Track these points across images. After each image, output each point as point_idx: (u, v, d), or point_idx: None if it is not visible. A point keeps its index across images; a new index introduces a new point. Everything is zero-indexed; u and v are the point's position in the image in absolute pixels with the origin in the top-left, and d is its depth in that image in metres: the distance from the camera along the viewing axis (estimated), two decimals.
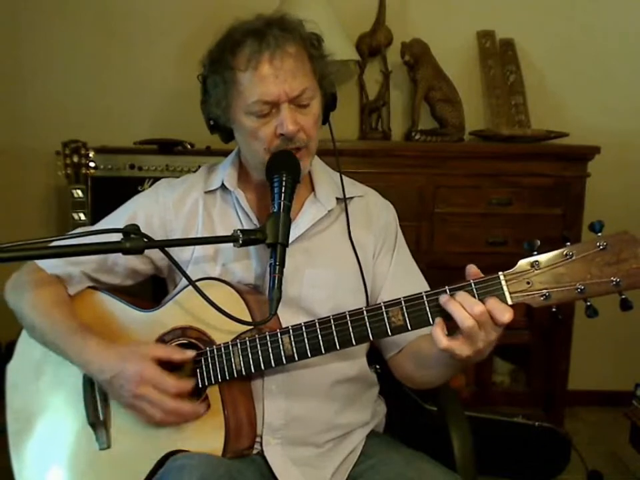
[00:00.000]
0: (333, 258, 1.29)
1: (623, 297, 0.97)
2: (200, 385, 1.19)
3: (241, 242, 1.09)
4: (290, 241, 1.14)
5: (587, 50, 2.76)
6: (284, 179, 1.16)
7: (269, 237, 1.10)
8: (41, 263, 1.30)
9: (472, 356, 1.02)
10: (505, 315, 0.99)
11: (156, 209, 1.32)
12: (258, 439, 1.22)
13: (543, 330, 2.53)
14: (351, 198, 1.35)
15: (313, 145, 1.25)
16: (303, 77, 1.19)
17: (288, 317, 1.18)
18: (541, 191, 2.47)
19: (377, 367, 1.38)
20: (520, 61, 2.75)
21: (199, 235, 1.29)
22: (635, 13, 2.76)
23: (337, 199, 1.33)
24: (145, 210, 1.32)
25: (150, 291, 1.44)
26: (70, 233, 1.35)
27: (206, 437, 1.16)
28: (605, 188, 2.64)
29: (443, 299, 1.01)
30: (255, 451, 1.23)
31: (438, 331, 1.01)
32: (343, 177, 1.35)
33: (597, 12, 2.75)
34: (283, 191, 1.15)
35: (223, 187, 1.32)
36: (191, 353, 1.17)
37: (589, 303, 0.99)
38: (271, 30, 1.18)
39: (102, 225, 1.36)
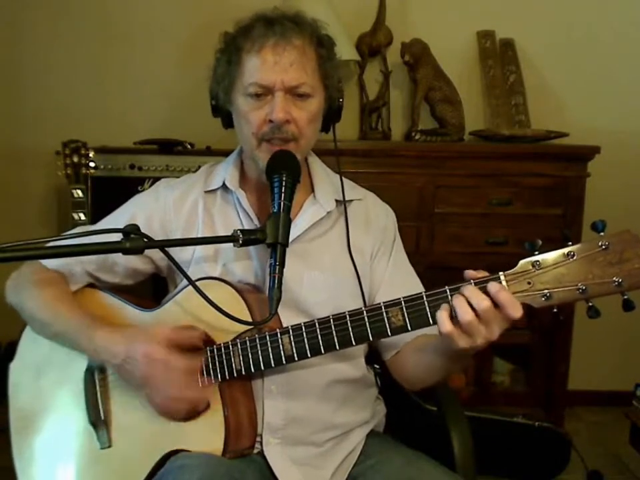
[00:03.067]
0: (332, 262, 1.29)
1: (626, 297, 0.96)
2: (200, 385, 1.19)
3: (241, 242, 1.08)
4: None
5: (587, 50, 2.76)
6: (284, 179, 1.16)
7: (269, 237, 1.10)
8: (42, 261, 1.31)
9: (467, 349, 1.01)
10: (517, 313, 0.97)
11: (156, 209, 1.32)
12: (258, 439, 1.22)
13: (543, 330, 2.53)
14: (350, 201, 1.35)
15: (304, 143, 1.24)
16: (304, 71, 1.20)
17: (287, 318, 1.17)
18: (541, 191, 2.47)
19: (377, 367, 1.38)
20: (520, 61, 2.75)
21: (200, 235, 1.29)
22: (635, 13, 2.76)
23: (337, 201, 1.33)
24: (145, 210, 1.32)
25: (150, 291, 1.44)
26: (70, 232, 1.35)
27: (206, 436, 1.16)
28: (605, 188, 2.64)
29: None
30: (255, 451, 1.23)
31: (444, 314, 1.00)
32: (343, 179, 1.35)
33: (597, 12, 2.75)
34: (283, 191, 1.15)
35: (223, 186, 1.32)
36: (199, 332, 1.17)
37: (590, 304, 0.98)
38: (281, 20, 1.21)
39: (102, 225, 1.35)
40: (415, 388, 1.33)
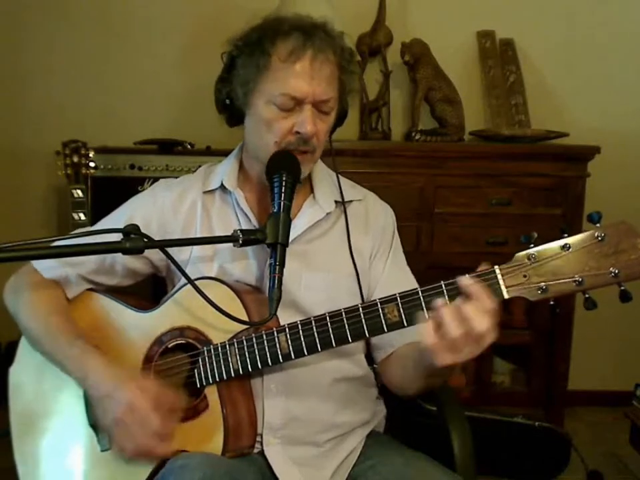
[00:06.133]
0: (331, 263, 1.29)
1: (622, 288, 0.96)
2: (198, 385, 1.19)
3: (241, 242, 1.08)
4: None
5: (587, 50, 2.76)
6: (284, 179, 1.16)
7: (269, 237, 1.10)
8: (39, 267, 1.30)
9: (448, 366, 1.00)
10: (487, 303, 0.97)
11: (154, 211, 1.32)
12: (258, 439, 1.22)
13: (543, 330, 2.53)
14: (350, 201, 1.35)
15: (319, 153, 1.26)
16: (333, 86, 1.21)
17: (285, 318, 1.17)
18: (540, 191, 2.46)
19: (376, 366, 1.38)
20: (520, 61, 2.75)
21: (197, 236, 1.29)
22: (635, 13, 2.76)
23: (336, 202, 1.33)
24: (143, 212, 1.32)
25: (150, 291, 1.44)
26: (70, 233, 1.35)
27: (205, 436, 1.16)
28: (605, 188, 2.63)
29: (440, 303, 1.00)
30: (255, 450, 1.23)
31: (429, 326, 0.99)
32: (344, 179, 1.36)
33: (597, 12, 2.75)
34: (283, 191, 1.15)
35: (222, 187, 1.32)
36: (181, 400, 1.16)
37: (587, 295, 0.98)
38: (317, 32, 1.20)
39: (99, 226, 1.35)
40: (402, 394, 1.33)
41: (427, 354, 1.01)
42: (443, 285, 1.03)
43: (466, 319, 0.97)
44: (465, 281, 1.00)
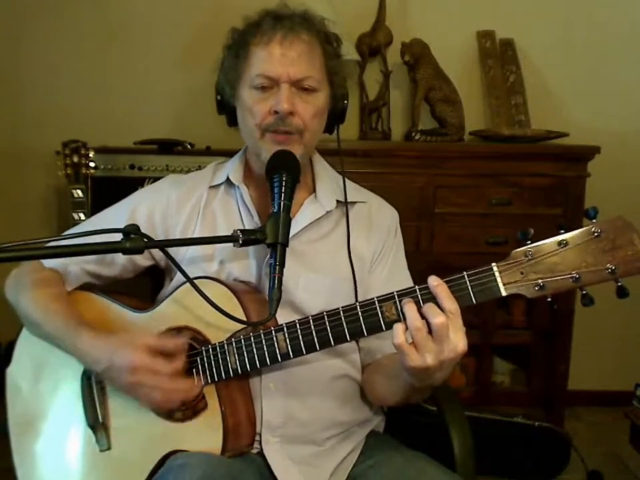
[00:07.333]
0: (330, 264, 1.29)
1: (619, 284, 0.96)
2: (187, 384, 1.18)
3: (240, 242, 1.08)
4: None
5: (587, 50, 2.76)
6: (284, 178, 1.15)
7: (269, 237, 1.10)
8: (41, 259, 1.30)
9: (416, 369, 1.00)
10: (450, 304, 0.98)
11: (158, 201, 1.32)
12: (257, 438, 1.22)
13: (542, 330, 2.53)
14: (353, 203, 1.34)
15: (309, 136, 1.23)
16: (310, 65, 1.20)
17: (283, 317, 1.16)
18: (541, 191, 2.47)
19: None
20: (520, 61, 2.75)
21: (197, 229, 1.30)
22: (635, 13, 2.76)
23: (338, 201, 1.33)
24: (147, 204, 1.33)
25: (149, 288, 1.44)
26: (70, 232, 1.35)
27: (204, 436, 1.16)
28: (605, 188, 2.63)
29: (405, 300, 1.01)
30: (255, 451, 1.23)
31: (400, 326, 1.00)
32: (348, 181, 1.35)
33: (597, 12, 2.75)
34: (283, 190, 1.14)
35: (227, 181, 1.33)
36: (182, 340, 1.16)
37: (584, 292, 0.98)
38: (290, 16, 1.22)
39: (102, 218, 1.36)
40: (380, 403, 1.34)
41: (399, 356, 1.01)
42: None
43: (423, 314, 0.98)
44: (432, 281, 1.00)
